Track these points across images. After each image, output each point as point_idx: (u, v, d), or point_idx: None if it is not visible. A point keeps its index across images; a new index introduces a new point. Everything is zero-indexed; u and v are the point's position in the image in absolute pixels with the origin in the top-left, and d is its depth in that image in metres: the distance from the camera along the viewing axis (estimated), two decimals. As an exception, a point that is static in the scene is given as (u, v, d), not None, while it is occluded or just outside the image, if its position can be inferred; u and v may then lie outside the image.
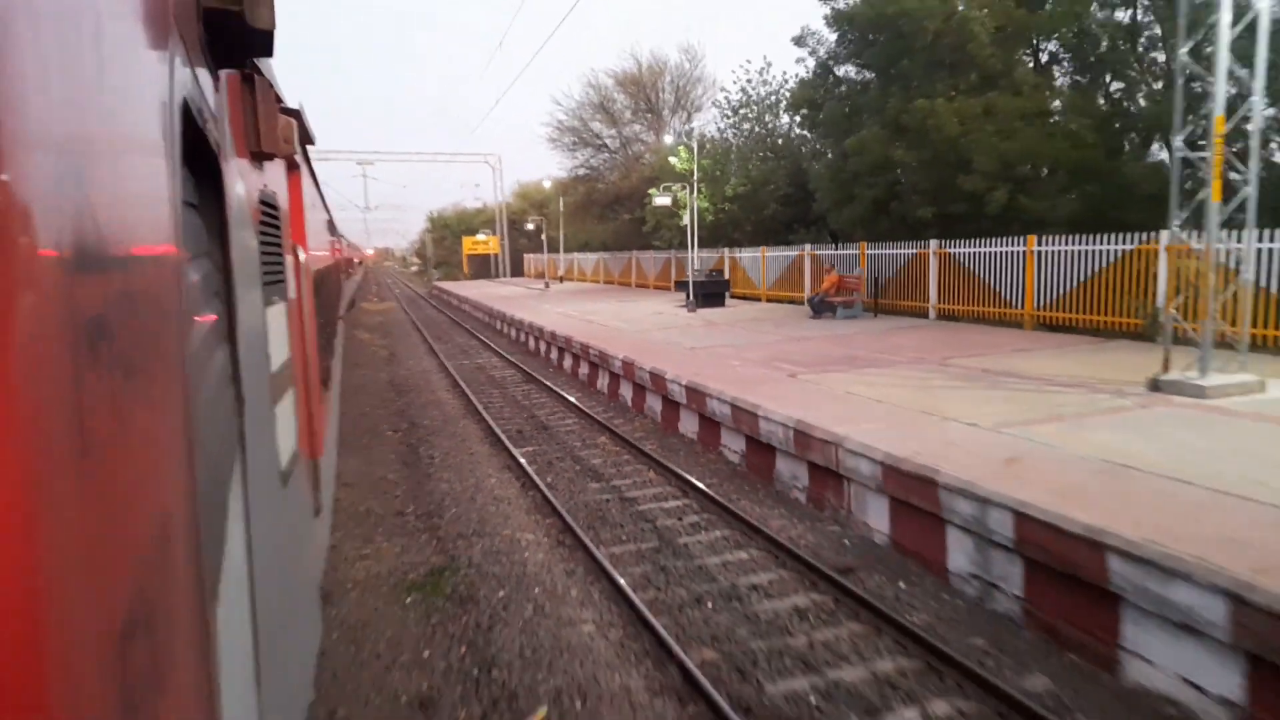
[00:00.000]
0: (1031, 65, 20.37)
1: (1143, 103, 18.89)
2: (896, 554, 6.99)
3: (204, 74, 1.80)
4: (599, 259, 43.25)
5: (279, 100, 3.19)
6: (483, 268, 63.41)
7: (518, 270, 61.42)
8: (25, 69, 0.68)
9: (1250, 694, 4.26)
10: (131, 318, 0.98)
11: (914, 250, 18.18)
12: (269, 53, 2.29)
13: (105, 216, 0.89)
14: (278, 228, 3.29)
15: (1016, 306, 15.38)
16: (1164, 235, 8.94)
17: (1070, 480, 6.06)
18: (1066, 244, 14.24)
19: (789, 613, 6.06)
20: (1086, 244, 13.81)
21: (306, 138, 5.13)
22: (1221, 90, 8.13)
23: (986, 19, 17.19)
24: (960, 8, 17.94)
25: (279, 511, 2.72)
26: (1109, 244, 13.36)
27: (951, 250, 17.01)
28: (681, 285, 25.40)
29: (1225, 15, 7.92)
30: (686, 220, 25.70)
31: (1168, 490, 5.76)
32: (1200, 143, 8.57)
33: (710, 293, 23.72)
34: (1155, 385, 8.70)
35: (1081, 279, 13.91)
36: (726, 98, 37.95)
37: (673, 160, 28.98)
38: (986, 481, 6.07)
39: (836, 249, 21.93)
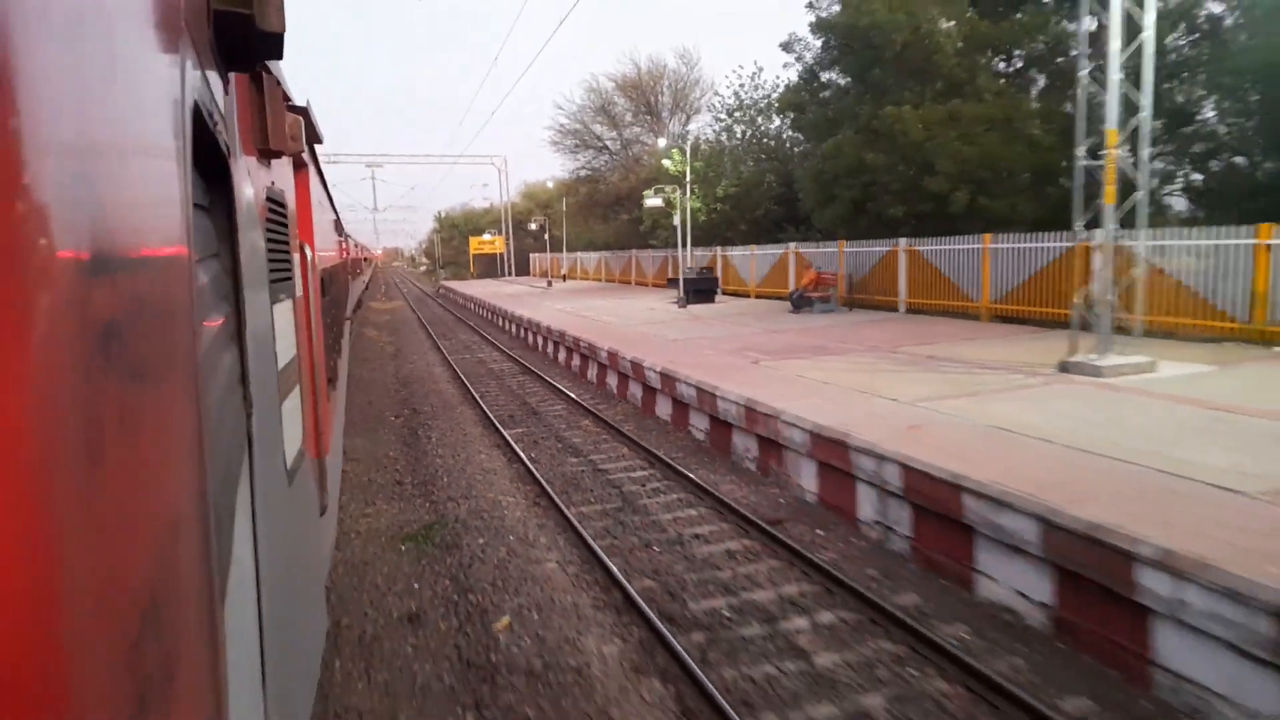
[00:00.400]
0: (1010, 71, 21.47)
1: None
2: (821, 508, 8.14)
3: (214, 76, 1.83)
4: (600, 258, 44.45)
5: (286, 98, 3.23)
6: (489, 267, 64.70)
7: (523, 269, 62.67)
8: (45, 74, 0.70)
9: (1058, 597, 5.40)
10: (145, 320, 1.01)
11: (886, 248, 19.29)
12: (279, 55, 2.30)
13: (120, 220, 0.92)
14: (285, 226, 3.31)
15: (975, 300, 16.50)
16: (1098, 233, 9.99)
17: (957, 441, 7.20)
18: (1017, 242, 15.36)
19: (721, 554, 7.22)
20: (1034, 242, 14.93)
21: (314, 136, 5.20)
22: (1113, 107, 9.23)
23: (952, 31, 18.30)
24: (931, 20, 19.02)
25: (285, 510, 2.73)
26: (1053, 242, 14.47)
27: (918, 248, 18.13)
28: (675, 283, 26.57)
29: (1115, 42, 9.03)
30: (678, 221, 26.81)
31: (1032, 447, 6.90)
32: (1092, 152, 9.66)
33: (701, 289, 24.87)
34: (1064, 367, 9.84)
35: (1030, 274, 15.02)
36: (720, 101, 39.17)
37: (666, 163, 30.14)
38: (887, 443, 7.22)
39: (819, 247, 23.03)
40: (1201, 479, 5.85)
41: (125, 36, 1.05)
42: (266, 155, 2.78)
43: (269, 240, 2.68)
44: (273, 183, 2.98)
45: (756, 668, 5.29)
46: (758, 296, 26.31)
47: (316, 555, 4.33)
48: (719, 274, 28.32)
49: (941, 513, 6.37)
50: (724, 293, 27.57)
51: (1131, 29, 9.41)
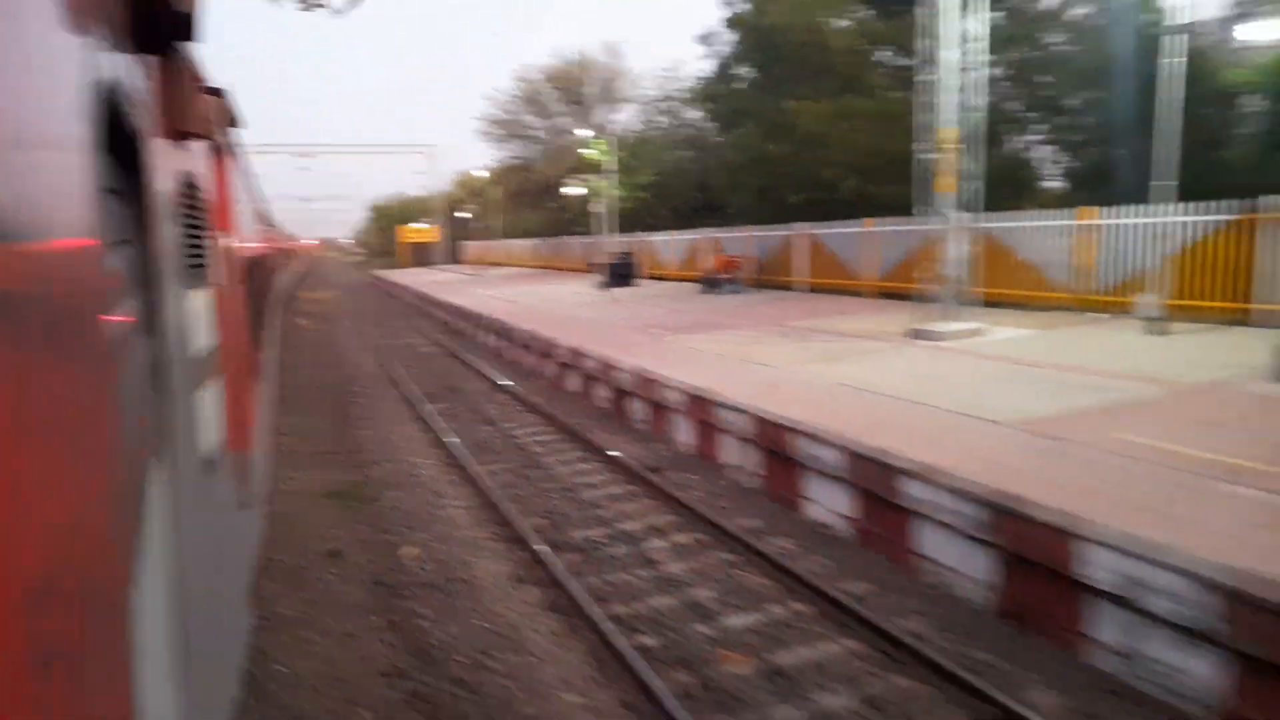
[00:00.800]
0: (911, 65, 23.06)
1: (989, 99, 21.66)
2: (696, 458, 9.42)
3: (127, 58, 1.81)
4: (530, 245, 45.36)
5: (203, 80, 3.17)
6: (422, 256, 64.83)
7: (456, 258, 63.04)
8: None
9: (857, 509, 6.75)
10: (49, 306, 0.99)
11: (787, 232, 20.76)
12: (192, 36, 2.24)
13: (25, 205, 0.91)
14: (203, 212, 3.25)
15: (863, 278, 18.05)
16: (949, 216, 11.44)
17: (805, 396, 8.53)
18: (894, 225, 16.93)
19: (605, 497, 8.44)
20: (908, 225, 16.49)
21: (233, 120, 5.07)
22: (949, 109, 10.67)
23: (845, 32, 19.80)
24: (825, 20, 20.48)
25: (201, 503, 2.68)
26: (922, 225, 16.02)
27: (814, 232, 19.65)
28: (599, 268, 27.75)
29: (947, 53, 10.47)
30: (601, 208, 27.93)
31: (862, 398, 8.26)
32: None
33: (622, 274, 26.10)
34: (913, 334, 11.32)
35: (905, 253, 16.59)
36: (644, 92, 40.41)
37: (588, 152, 31.21)
38: (746, 399, 8.51)
39: (731, 232, 24.43)
40: (980, 415, 7.26)
41: (32, 16, 1.03)
42: (181, 138, 2.72)
43: (185, 226, 2.64)
44: (189, 168, 2.92)
45: (616, 575, 6.52)
46: (676, 279, 27.60)
47: (237, 550, 4.21)
48: (641, 259, 29.56)
49: (781, 452, 7.69)
50: (646, 277, 28.82)
51: (997, 35, 10.86)
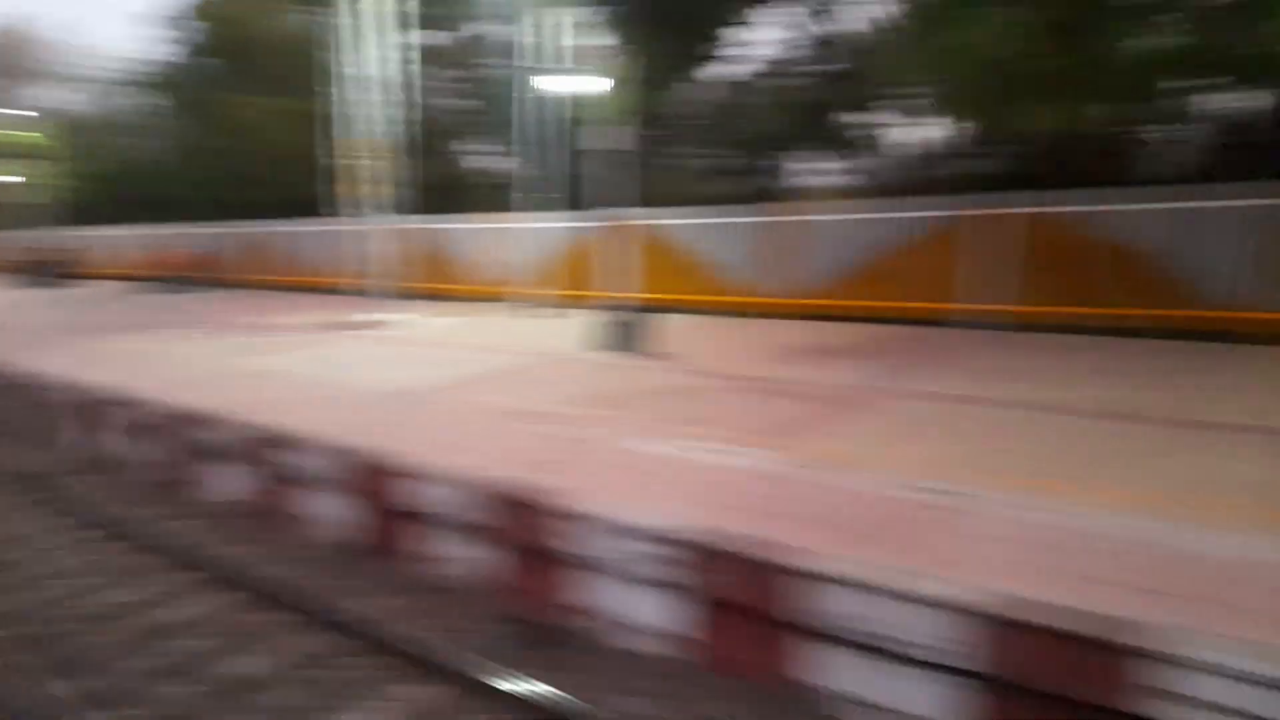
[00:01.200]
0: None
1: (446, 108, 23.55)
2: (102, 460, 9.01)
3: None
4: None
5: None
6: None
7: None
8: None
9: (250, 483, 7.30)
10: None
11: (244, 229, 20.42)
12: None
13: None
14: None
15: (318, 274, 18.67)
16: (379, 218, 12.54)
17: (221, 386, 8.76)
18: (342, 224, 17.77)
19: (-19, 509, 7.73)
20: (355, 224, 17.47)
21: None
22: (346, 125, 11.80)
23: (292, 35, 20.04)
24: (267, 20, 20.42)
25: None
26: (367, 225, 17.16)
27: (270, 229, 19.72)
28: (29, 265, 24.10)
29: (359, 68, 11.60)
30: (35, 198, 24.19)
31: (275, 383, 8.80)
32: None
33: (55, 272, 22.99)
34: (347, 326, 12.26)
35: (352, 250, 17.55)
36: (96, 71, 35.52)
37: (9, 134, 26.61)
38: (156, 393, 8.46)
39: (189, 228, 23.03)
40: (375, 389, 8.31)
41: None
42: None
43: None
44: None
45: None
46: (126, 278, 25.04)
47: None
48: (87, 255, 26.23)
49: (186, 441, 7.87)
50: (93, 275, 25.65)
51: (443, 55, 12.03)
